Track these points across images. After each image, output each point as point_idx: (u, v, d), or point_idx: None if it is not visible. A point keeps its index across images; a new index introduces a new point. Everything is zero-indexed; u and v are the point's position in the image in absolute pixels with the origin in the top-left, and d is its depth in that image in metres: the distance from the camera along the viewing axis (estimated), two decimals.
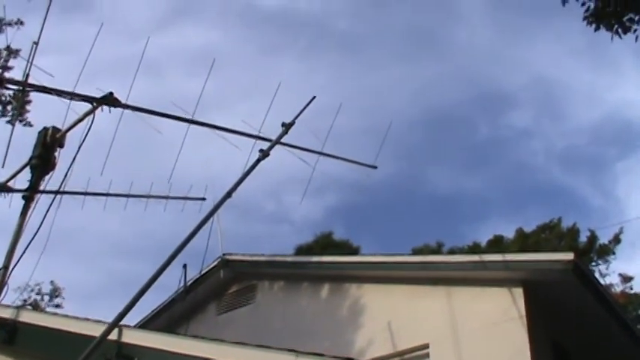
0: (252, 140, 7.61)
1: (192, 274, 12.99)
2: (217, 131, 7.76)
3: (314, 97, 8.01)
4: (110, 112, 7.20)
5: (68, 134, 7.36)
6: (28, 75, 7.08)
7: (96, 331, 5.21)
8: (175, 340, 5.27)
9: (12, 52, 15.41)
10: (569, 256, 10.01)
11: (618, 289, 32.81)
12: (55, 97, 7.04)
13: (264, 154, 7.16)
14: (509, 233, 33.83)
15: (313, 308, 12.49)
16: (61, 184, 6.99)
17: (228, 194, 6.51)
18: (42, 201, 6.92)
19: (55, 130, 7.34)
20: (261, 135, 7.66)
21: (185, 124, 7.57)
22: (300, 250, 29.56)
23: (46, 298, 28.92)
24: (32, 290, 29.16)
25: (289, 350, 4.25)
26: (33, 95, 8.82)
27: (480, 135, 51.87)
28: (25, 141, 7.37)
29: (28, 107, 14.62)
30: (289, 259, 14.59)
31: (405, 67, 44.22)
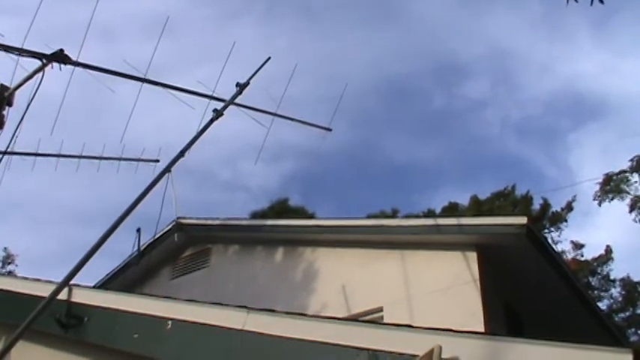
0: (207, 101, 7.50)
1: (147, 239, 12.89)
2: (171, 91, 7.63)
3: (269, 58, 7.92)
4: (61, 69, 7.03)
5: (17, 93, 7.18)
6: None
7: (46, 291, 5.12)
8: (127, 298, 5.20)
9: None
10: (523, 220, 10.10)
11: (570, 256, 33.39)
12: (3, 54, 6.86)
13: (218, 114, 7.07)
14: (463, 201, 34.18)
15: (267, 272, 12.47)
16: (9, 143, 6.83)
17: (181, 153, 6.43)
18: None
19: (4, 87, 7.16)
20: (215, 95, 7.55)
21: (138, 85, 7.42)
22: (255, 216, 29.48)
23: None
24: None
25: (241, 307, 4.22)
26: None
27: (435, 105, 52.08)
28: None
29: None
30: (243, 222, 14.49)
31: (363, 34, 44.05)
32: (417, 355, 3.25)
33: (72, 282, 5.23)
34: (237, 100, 7.60)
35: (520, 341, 3.20)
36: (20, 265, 30.16)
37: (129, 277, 13.71)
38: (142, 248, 11.84)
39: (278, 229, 13.06)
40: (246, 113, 7.90)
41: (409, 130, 53.91)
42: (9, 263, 30.20)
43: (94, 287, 12.13)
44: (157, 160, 8.03)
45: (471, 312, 9.48)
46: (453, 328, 3.50)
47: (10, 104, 7.11)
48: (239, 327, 4.08)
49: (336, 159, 47.89)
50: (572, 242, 34.99)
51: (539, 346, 3.12)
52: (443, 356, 3.11)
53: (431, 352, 3.15)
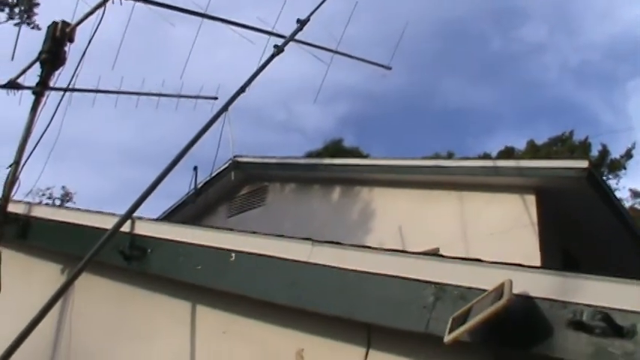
0: (267, 38, 7.44)
1: (203, 179, 13.01)
2: (231, 27, 7.58)
3: None
4: (121, 3, 7.02)
5: (78, 29, 7.20)
6: None
7: (108, 223, 5.15)
8: (190, 230, 5.22)
9: None
10: (584, 163, 9.95)
11: (628, 204, 32.93)
12: None
13: (279, 49, 7.00)
14: (520, 146, 33.78)
15: (324, 211, 12.51)
16: (71, 79, 6.87)
17: (242, 89, 6.38)
18: (52, 100, 6.81)
19: (65, 24, 7.17)
20: (275, 32, 7.48)
21: (197, 23, 7.37)
22: (310, 156, 29.50)
23: (57, 202, 29.16)
24: (43, 195, 29.45)
25: (306, 239, 4.21)
26: None
27: (492, 48, 51.28)
28: (33, 46, 7.22)
29: (35, 10, 14.42)
30: (300, 161, 14.53)
31: None
32: (486, 290, 3.21)
33: (134, 215, 5.29)
34: (297, 37, 7.52)
35: (591, 278, 3.13)
36: (78, 203, 30.71)
37: (186, 215, 13.91)
38: (198, 186, 11.95)
39: (335, 169, 13.03)
40: (306, 50, 7.83)
41: (465, 74, 53.34)
42: (67, 201, 30.78)
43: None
44: (216, 98, 8.00)
45: (527, 256, 9.40)
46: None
47: (71, 40, 7.12)
48: (304, 259, 4.08)
49: (392, 101, 47.68)
50: (630, 190, 34.49)
51: (612, 284, 3.06)
52: (513, 291, 3.06)
53: (501, 286, 3.10)
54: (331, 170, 13.02)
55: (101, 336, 5.51)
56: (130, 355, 5.19)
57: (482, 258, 3.69)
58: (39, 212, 6.55)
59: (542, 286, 3.19)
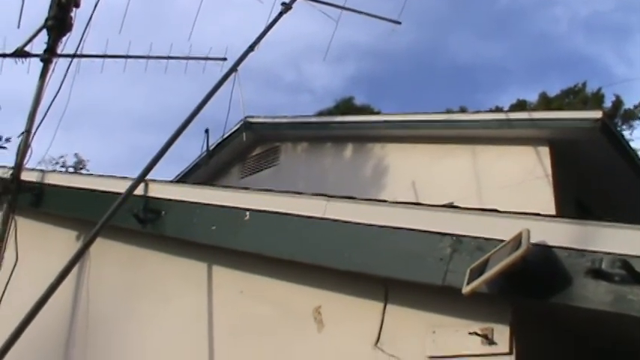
0: None
1: (215, 141, 12.99)
2: None
3: None
4: None
5: None
6: None
7: (122, 187, 5.15)
8: (203, 191, 5.20)
9: None
10: (597, 114, 9.86)
11: None
12: None
13: (287, 7, 6.94)
14: (532, 99, 33.53)
15: (337, 169, 12.48)
16: (78, 45, 6.82)
17: (251, 48, 6.34)
18: (60, 68, 6.77)
19: None
20: None
21: None
22: (321, 115, 29.39)
23: (71, 170, 29.19)
24: (57, 163, 29.50)
25: (320, 195, 4.19)
26: None
27: (501, 2, 50.70)
28: (39, 12, 7.16)
29: None
30: (312, 119, 14.44)
31: None
32: (504, 240, 3.19)
33: (147, 178, 5.28)
34: None
35: (609, 226, 3.11)
36: (91, 170, 30.71)
37: (199, 177, 13.90)
38: (210, 148, 11.92)
39: (346, 126, 12.96)
40: (314, 6, 7.75)
41: (474, 29, 52.87)
42: (81, 168, 30.77)
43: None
44: (225, 59, 7.92)
45: (542, 208, 9.25)
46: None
47: (77, 5, 7.07)
48: (319, 215, 4.06)
49: (401, 59, 47.36)
50: None
51: (631, 231, 3.03)
52: (531, 241, 3.04)
53: (519, 236, 3.08)
54: (343, 128, 12.94)
55: (118, 299, 5.53)
56: (148, 317, 5.22)
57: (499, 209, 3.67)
58: (52, 179, 6.54)
59: (559, 235, 3.17)
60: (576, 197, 10.49)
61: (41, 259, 5.98)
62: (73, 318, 5.67)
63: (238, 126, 13.51)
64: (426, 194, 10.59)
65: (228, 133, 13.45)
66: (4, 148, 16.38)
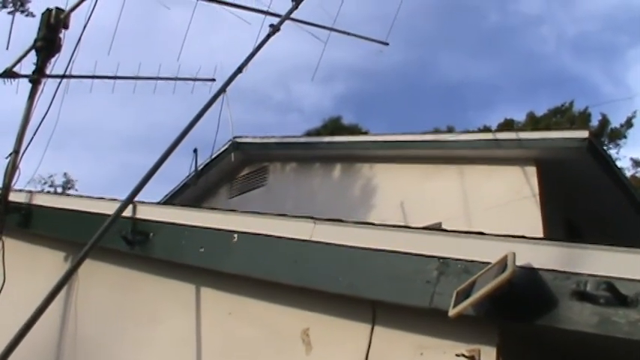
0: (262, 18, 7.40)
1: (203, 161, 13.01)
2: (226, 7, 7.54)
3: None
4: None
5: (72, 17, 7.16)
6: None
7: (110, 209, 5.16)
8: (191, 213, 5.22)
9: None
10: (584, 134, 9.95)
11: (629, 173, 32.88)
12: None
13: (275, 28, 6.98)
14: (520, 118, 33.71)
15: (325, 189, 12.52)
16: (67, 66, 6.84)
17: (239, 69, 6.37)
18: (49, 88, 6.78)
19: (59, 10, 7.14)
20: (270, 11, 7.45)
21: (191, 7, 7.33)
22: (309, 135, 29.47)
23: (59, 190, 29.16)
24: (45, 183, 29.46)
25: (307, 217, 4.21)
26: None
27: (490, 22, 51.07)
28: (27, 33, 7.19)
29: None
30: (300, 139, 14.53)
31: None
32: (490, 263, 3.21)
33: (135, 199, 5.29)
34: (293, 16, 7.48)
35: (595, 248, 3.13)
36: (80, 190, 30.69)
37: (187, 197, 13.92)
38: (199, 169, 11.92)
39: (335, 146, 13.02)
40: (302, 28, 7.79)
41: (463, 48, 53.20)
42: (69, 188, 30.75)
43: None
44: (213, 79, 7.96)
45: (530, 227, 9.37)
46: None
47: (66, 27, 7.10)
48: (306, 237, 4.07)
49: (389, 78, 47.57)
50: (631, 159, 34.47)
51: (616, 253, 3.06)
52: (517, 263, 3.06)
53: (504, 259, 3.10)
54: (331, 148, 13.00)
55: (106, 322, 5.52)
56: (136, 339, 5.21)
57: (485, 231, 3.69)
58: (40, 200, 6.53)
59: (545, 257, 3.19)
60: (564, 216, 10.56)
61: (29, 280, 5.97)
62: (61, 340, 5.64)
63: (227, 146, 13.56)
64: (414, 214, 10.65)
65: (217, 153, 13.50)
66: None
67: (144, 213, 5.38)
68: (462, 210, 10.34)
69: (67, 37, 7.02)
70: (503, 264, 3.09)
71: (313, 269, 4.07)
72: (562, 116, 33.85)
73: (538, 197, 9.83)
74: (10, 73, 6.94)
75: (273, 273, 4.29)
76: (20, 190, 6.57)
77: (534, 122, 32.19)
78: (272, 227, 4.37)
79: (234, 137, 13.39)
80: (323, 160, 12.82)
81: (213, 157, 13.29)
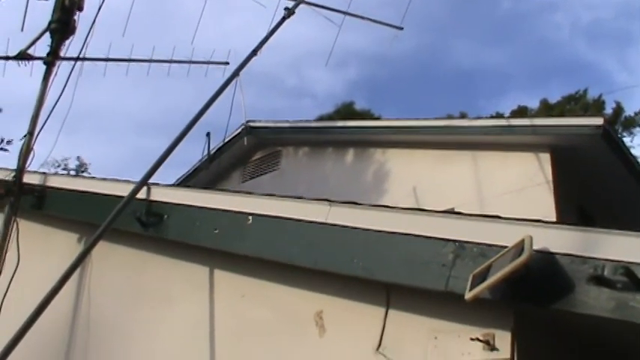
0: (277, 1, 7.36)
1: (216, 144, 13.03)
2: None
3: None
4: None
5: None
6: None
7: (124, 190, 5.14)
8: (206, 195, 5.20)
9: None
10: (599, 120, 9.88)
11: None
12: None
13: (290, 12, 6.94)
14: (533, 105, 33.54)
15: (338, 174, 12.49)
16: (82, 48, 6.82)
17: (253, 52, 6.33)
18: (63, 71, 6.78)
19: None
20: None
21: None
22: (322, 119, 29.41)
23: (73, 173, 29.21)
24: (59, 166, 29.52)
25: (323, 200, 4.20)
26: None
27: (502, 8, 50.76)
28: (42, 15, 7.18)
29: None
30: (313, 124, 14.48)
31: None
32: (506, 246, 3.20)
33: (150, 181, 5.28)
34: None
35: (611, 233, 3.11)
36: (93, 173, 30.69)
37: (200, 181, 13.92)
38: (211, 152, 11.94)
39: (348, 131, 12.98)
40: (317, 12, 7.76)
41: (476, 35, 52.93)
42: (83, 171, 30.80)
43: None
44: (227, 63, 7.92)
45: (543, 214, 9.29)
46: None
47: (80, 9, 7.07)
48: (321, 220, 4.07)
49: (403, 64, 47.43)
50: None
51: (632, 238, 3.04)
52: (533, 247, 3.05)
53: (521, 242, 3.08)
54: (344, 133, 12.96)
55: (120, 303, 5.53)
56: (150, 321, 5.22)
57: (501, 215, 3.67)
58: (55, 182, 6.54)
59: (562, 241, 3.18)
60: (577, 204, 10.50)
61: (43, 262, 5.99)
62: (75, 322, 5.66)
63: (239, 130, 13.53)
64: (427, 200, 10.60)
65: (230, 138, 13.48)
66: (5, 150, 16.42)
67: (158, 195, 5.38)
68: (475, 196, 10.30)
69: (82, 19, 6.99)
70: (519, 248, 3.07)
71: (328, 252, 4.06)
72: (576, 104, 33.64)
73: (552, 184, 9.78)
74: (24, 55, 6.92)
75: (287, 255, 4.29)
76: (34, 172, 6.57)
77: (547, 109, 32.01)
78: (287, 209, 4.36)
79: (247, 121, 13.35)
80: (335, 145, 12.79)
81: (225, 141, 13.29)
